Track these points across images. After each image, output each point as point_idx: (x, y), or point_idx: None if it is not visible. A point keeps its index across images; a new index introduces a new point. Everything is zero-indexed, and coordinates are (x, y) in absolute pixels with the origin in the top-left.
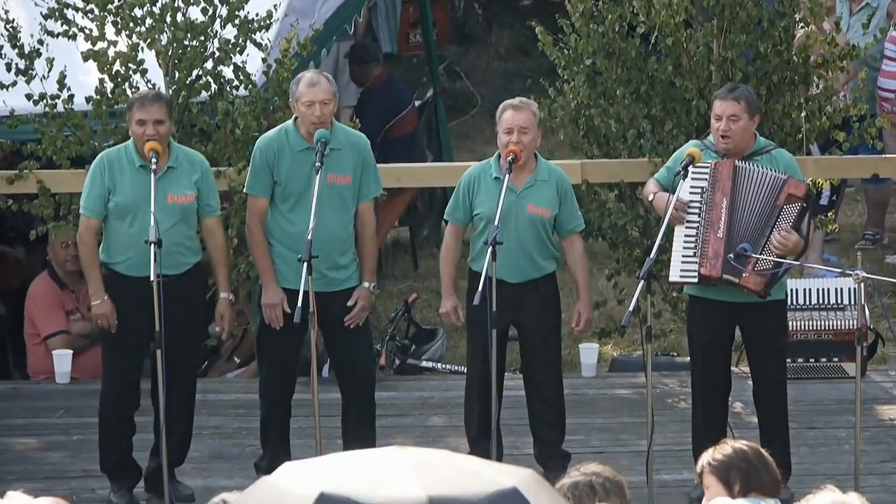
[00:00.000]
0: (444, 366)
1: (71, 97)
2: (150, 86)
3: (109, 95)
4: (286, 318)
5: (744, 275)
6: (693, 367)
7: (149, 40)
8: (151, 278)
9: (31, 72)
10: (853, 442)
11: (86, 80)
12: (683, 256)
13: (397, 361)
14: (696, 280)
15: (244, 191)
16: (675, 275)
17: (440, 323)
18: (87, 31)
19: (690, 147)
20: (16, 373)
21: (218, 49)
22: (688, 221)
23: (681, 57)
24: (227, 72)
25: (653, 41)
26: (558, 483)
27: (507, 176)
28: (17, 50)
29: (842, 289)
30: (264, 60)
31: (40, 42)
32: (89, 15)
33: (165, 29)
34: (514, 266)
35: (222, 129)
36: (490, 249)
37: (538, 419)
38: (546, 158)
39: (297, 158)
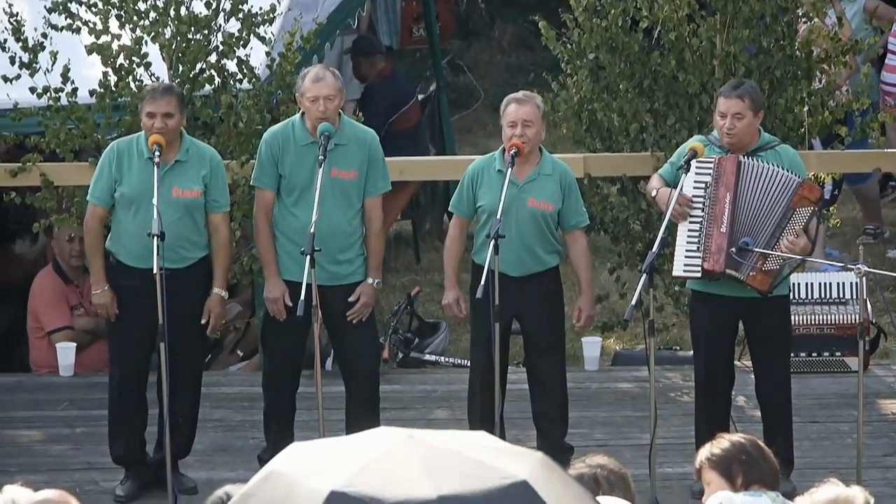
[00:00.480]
0: (447, 359)
1: (74, 90)
2: (153, 79)
3: (113, 89)
4: (289, 310)
5: (751, 273)
6: (696, 362)
7: (152, 34)
8: (154, 271)
9: (34, 65)
10: (855, 436)
11: (89, 74)
12: (687, 251)
13: (400, 355)
14: (699, 275)
15: (251, 183)
16: (678, 269)
17: (443, 316)
18: (90, 25)
19: (693, 142)
20: (19, 366)
21: (221, 43)
22: (691, 217)
23: (684, 51)
24: (231, 65)
25: (656, 36)
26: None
27: (510, 169)
28: (20, 43)
29: (844, 283)
30: (268, 54)
31: (44, 35)
32: (93, 8)
33: (169, 22)
34: (516, 260)
35: (226, 123)
36: (492, 243)
37: (541, 412)
38: (549, 152)
39: (302, 152)
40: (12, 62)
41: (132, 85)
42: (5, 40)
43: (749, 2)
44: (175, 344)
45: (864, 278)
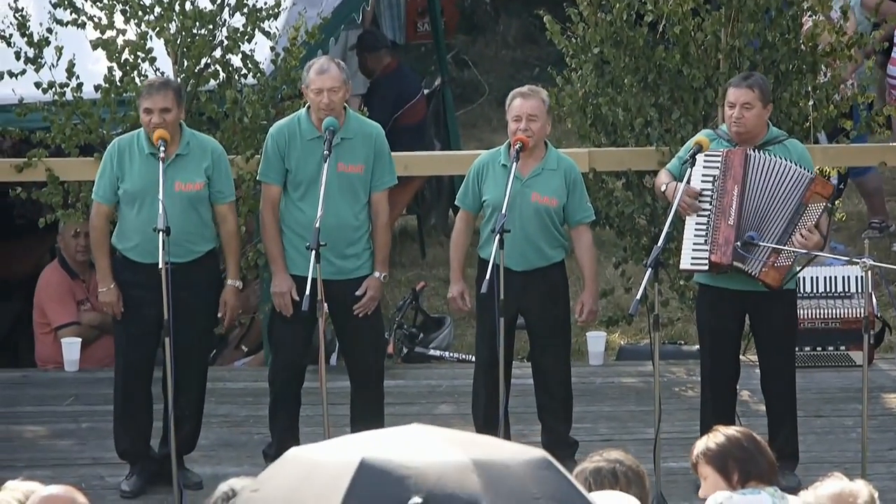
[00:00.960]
0: (451, 354)
1: (80, 85)
2: (158, 74)
3: (118, 84)
4: (295, 305)
5: (763, 269)
6: (702, 356)
7: (157, 29)
8: (159, 265)
9: (40, 60)
10: (860, 430)
11: (95, 69)
12: (694, 244)
13: (405, 350)
14: (706, 268)
15: (257, 178)
16: (685, 263)
17: (448, 311)
18: (95, 20)
19: (700, 136)
20: (24, 361)
21: (226, 38)
22: (702, 208)
23: (688, 46)
24: (236, 60)
25: (660, 30)
26: (580, 466)
27: (514, 164)
28: (26, 38)
29: (849, 277)
30: (272, 49)
31: (49, 30)
32: (98, 4)
33: (174, 17)
34: (520, 254)
35: (230, 118)
36: (497, 237)
37: (545, 407)
38: (554, 147)
39: (308, 147)
40: (17, 57)
41: (137, 80)
42: (10, 35)
43: None
44: (182, 338)
45: (869, 272)
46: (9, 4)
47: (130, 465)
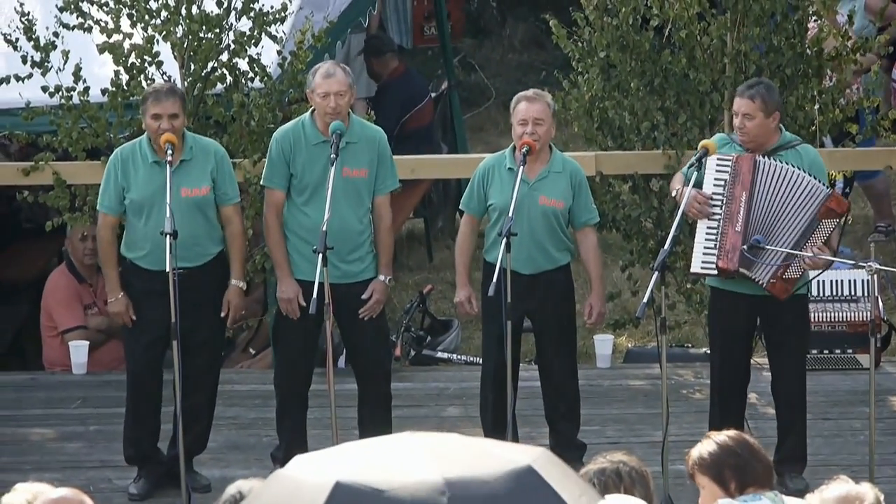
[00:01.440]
0: (459, 357)
1: (86, 89)
2: (165, 78)
3: (125, 87)
4: (301, 310)
5: (772, 280)
6: (712, 359)
7: (164, 33)
8: (167, 269)
9: (46, 64)
10: (868, 433)
11: (101, 73)
12: (705, 248)
13: (412, 352)
14: (715, 272)
15: (261, 183)
16: (695, 266)
17: (455, 314)
18: (102, 24)
19: (716, 137)
20: (32, 364)
21: (233, 41)
22: (713, 212)
23: (694, 49)
24: (243, 64)
25: (666, 34)
26: (583, 469)
27: (522, 167)
28: (32, 42)
29: (855, 280)
30: (279, 53)
31: (56, 34)
32: (104, 7)
33: (181, 21)
34: (528, 257)
35: (237, 121)
36: (504, 241)
37: (553, 410)
38: (560, 150)
39: (313, 151)
40: (24, 61)
41: (144, 84)
42: (17, 39)
43: (760, 0)
44: (193, 341)
45: (875, 275)
46: (15, 8)
47: (138, 468)
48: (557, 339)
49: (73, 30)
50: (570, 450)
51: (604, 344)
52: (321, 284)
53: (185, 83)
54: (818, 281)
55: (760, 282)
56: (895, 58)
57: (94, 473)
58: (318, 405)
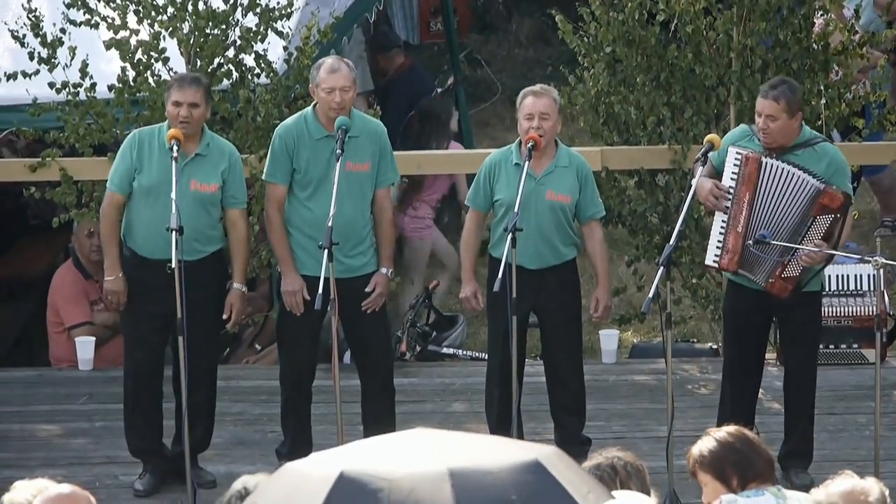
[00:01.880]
0: (464, 352)
1: (93, 85)
2: (172, 74)
3: (131, 84)
4: (306, 304)
5: (770, 280)
6: (725, 354)
7: (170, 29)
8: (172, 264)
9: (53, 60)
10: (873, 428)
11: (108, 69)
12: (718, 242)
13: (418, 348)
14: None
15: (263, 178)
16: (709, 258)
17: (461, 309)
18: (109, 20)
19: (739, 129)
20: (38, 360)
21: (239, 37)
22: (727, 203)
23: (700, 44)
24: (249, 60)
25: (672, 29)
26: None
27: (527, 162)
28: (39, 39)
29: (861, 275)
30: (285, 48)
31: (62, 31)
32: (111, 4)
33: (187, 17)
34: (534, 252)
35: (244, 117)
36: (510, 236)
37: (558, 405)
38: (566, 145)
39: (317, 146)
40: (31, 57)
41: (150, 80)
42: (24, 36)
43: None
44: (190, 337)
45: (881, 270)
46: (22, 5)
47: (144, 464)
48: (563, 334)
49: (79, 26)
50: (576, 445)
51: (609, 339)
52: (326, 280)
53: None
54: (825, 276)
55: (759, 282)
56: None
57: (101, 469)
58: (322, 401)
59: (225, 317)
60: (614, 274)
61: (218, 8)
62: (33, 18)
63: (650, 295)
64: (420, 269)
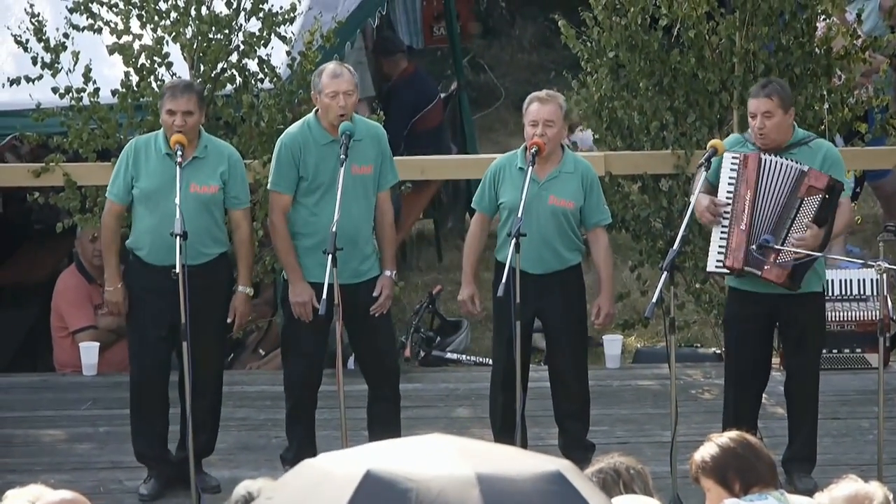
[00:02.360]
0: (468, 357)
1: (96, 90)
2: (176, 78)
3: (135, 88)
4: (313, 311)
5: (765, 267)
6: (727, 359)
7: (173, 34)
8: (176, 269)
9: (56, 65)
10: (876, 432)
11: (111, 74)
12: (719, 248)
13: (422, 353)
14: (727, 271)
15: (268, 187)
16: (710, 265)
17: (465, 315)
18: (112, 25)
19: (731, 138)
20: (43, 365)
21: (242, 42)
22: (724, 212)
23: (703, 49)
24: (252, 65)
25: (675, 33)
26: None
27: (531, 167)
28: (42, 44)
29: (864, 280)
30: (289, 53)
31: (66, 36)
32: (114, 9)
33: (190, 22)
34: (538, 257)
35: (247, 122)
36: (514, 241)
37: (563, 410)
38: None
39: (323, 152)
40: (34, 62)
41: (154, 85)
42: (27, 40)
43: None
44: (194, 342)
45: (884, 275)
46: (25, 10)
47: (148, 469)
48: (567, 339)
49: (83, 31)
50: (579, 450)
51: (613, 344)
52: (331, 285)
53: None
54: (827, 280)
55: (757, 272)
56: None
57: (105, 474)
58: (327, 406)
59: (229, 321)
60: (618, 279)
61: (221, 13)
62: (36, 23)
63: (654, 300)
64: None
